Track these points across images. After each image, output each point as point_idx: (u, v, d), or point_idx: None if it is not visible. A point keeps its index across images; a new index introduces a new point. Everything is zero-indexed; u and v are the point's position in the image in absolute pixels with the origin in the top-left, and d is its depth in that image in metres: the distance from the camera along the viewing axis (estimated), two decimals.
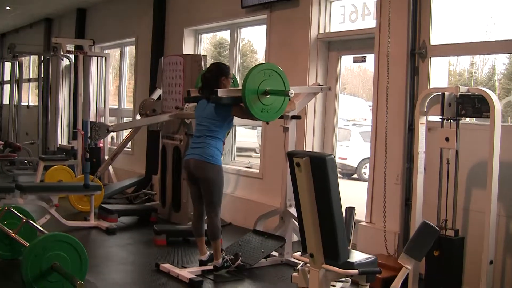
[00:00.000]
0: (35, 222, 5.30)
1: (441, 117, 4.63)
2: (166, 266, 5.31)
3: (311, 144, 6.90)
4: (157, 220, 7.49)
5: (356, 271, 3.56)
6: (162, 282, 5.05)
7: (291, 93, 5.06)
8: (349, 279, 3.90)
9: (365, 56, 6.49)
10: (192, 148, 5.26)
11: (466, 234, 4.91)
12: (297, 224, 5.86)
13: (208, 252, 5.38)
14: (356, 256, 3.82)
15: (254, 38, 8.63)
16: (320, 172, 3.49)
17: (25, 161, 11.90)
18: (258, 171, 7.62)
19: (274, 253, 5.75)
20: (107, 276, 5.18)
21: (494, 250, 4.44)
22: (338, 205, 3.51)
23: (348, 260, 3.63)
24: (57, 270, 4.20)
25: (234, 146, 8.45)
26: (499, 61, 6.64)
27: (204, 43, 9.28)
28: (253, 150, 13.69)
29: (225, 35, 9.12)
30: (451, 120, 4.60)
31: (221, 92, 5.00)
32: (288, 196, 5.77)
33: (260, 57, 10.01)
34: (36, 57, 14.13)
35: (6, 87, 14.67)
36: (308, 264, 3.79)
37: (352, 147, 12.29)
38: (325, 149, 6.96)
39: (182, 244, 6.40)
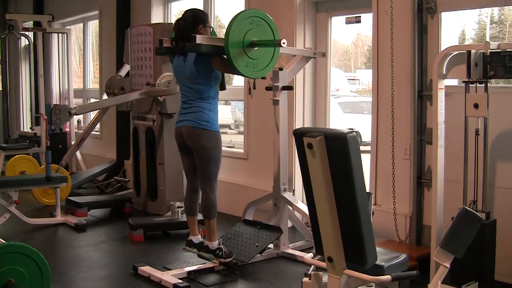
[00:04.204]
0: None
1: (465, 80, 3.91)
2: (145, 269, 4.53)
3: (302, 119, 6.15)
4: (131, 211, 6.71)
5: (388, 277, 2.80)
6: None
7: (283, 42, 4.29)
8: (373, 284, 3.15)
9: (360, 16, 5.79)
10: (182, 114, 4.54)
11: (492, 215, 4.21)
12: (292, 210, 5.23)
13: (200, 236, 4.68)
14: (381, 256, 3.08)
15: (222, 12, 7.75)
16: (339, 154, 2.70)
17: None
18: (242, 150, 6.84)
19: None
20: (75, 285, 4.37)
21: None
22: (362, 195, 2.74)
23: (376, 263, 2.88)
24: None
25: None
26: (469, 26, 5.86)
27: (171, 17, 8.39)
28: (228, 126, 13.01)
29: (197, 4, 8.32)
30: (477, 83, 3.90)
31: (200, 39, 4.23)
32: (282, 180, 5.04)
33: None
34: None
35: None
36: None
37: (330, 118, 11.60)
38: (317, 123, 6.21)
39: (161, 239, 5.65)
